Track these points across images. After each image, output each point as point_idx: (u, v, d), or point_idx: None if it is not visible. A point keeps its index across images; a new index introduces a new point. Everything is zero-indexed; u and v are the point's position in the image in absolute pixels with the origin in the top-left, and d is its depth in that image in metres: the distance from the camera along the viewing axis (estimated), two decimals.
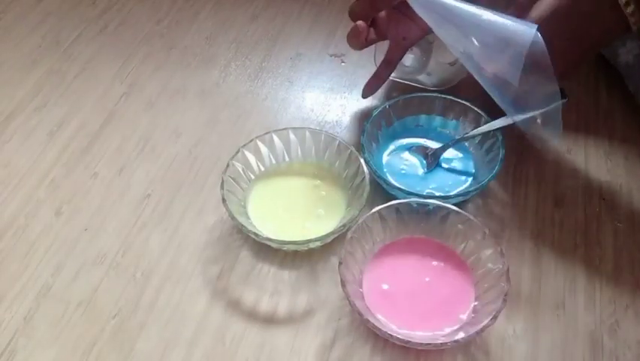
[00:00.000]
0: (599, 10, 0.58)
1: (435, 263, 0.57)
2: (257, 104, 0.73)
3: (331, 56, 0.79)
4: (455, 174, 0.64)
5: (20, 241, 0.61)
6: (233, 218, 0.57)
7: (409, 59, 0.71)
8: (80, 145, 0.69)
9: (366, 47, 0.66)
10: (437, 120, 0.68)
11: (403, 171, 0.65)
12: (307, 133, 0.64)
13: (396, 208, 0.57)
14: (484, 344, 0.53)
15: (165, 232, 0.61)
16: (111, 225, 0.62)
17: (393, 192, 0.61)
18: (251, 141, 0.63)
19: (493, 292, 0.53)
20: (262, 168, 0.64)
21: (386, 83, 0.71)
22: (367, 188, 0.59)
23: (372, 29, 0.66)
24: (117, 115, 0.72)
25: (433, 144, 0.66)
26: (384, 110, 0.65)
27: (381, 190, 0.62)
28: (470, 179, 0.64)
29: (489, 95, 0.61)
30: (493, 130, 0.62)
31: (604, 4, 0.57)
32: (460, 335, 0.50)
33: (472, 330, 0.50)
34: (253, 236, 0.57)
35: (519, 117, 0.61)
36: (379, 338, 0.53)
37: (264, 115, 0.72)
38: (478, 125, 0.65)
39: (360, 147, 0.62)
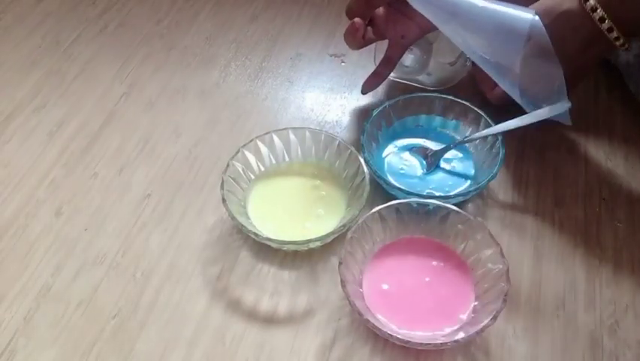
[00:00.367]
0: (584, 43, 0.59)
1: (435, 263, 0.57)
2: (257, 104, 0.73)
3: (331, 56, 0.79)
4: (455, 174, 0.64)
5: (20, 241, 0.61)
6: (233, 218, 0.57)
7: (409, 59, 0.71)
8: (79, 145, 0.69)
9: (365, 46, 0.66)
10: (437, 120, 0.68)
11: (403, 171, 0.65)
12: (307, 133, 0.64)
13: (396, 208, 0.57)
14: (484, 344, 0.53)
15: (165, 232, 0.61)
16: (111, 225, 0.62)
17: (393, 192, 0.61)
18: (251, 141, 0.63)
19: (493, 292, 0.53)
20: (262, 168, 0.64)
21: (386, 83, 0.71)
22: (367, 188, 0.59)
23: (370, 28, 0.66)
24: (117, 115, 0.72)
25: (433, 144, 0.66)
26: (384, 110, 0.65)
27: (381, 190, 0.62)
28: (470, 179, 0.64)
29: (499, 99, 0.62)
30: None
31: (587, 40, 0.59)
32: (460, 335, 0.50)
33: (472, 330, 0.50)
34: (253, 236, 0.57)
35: (528, 109, 0.62)
36: (379, 338, 0.53)
37: (264, 115, 0.72)
38: (478, 125, 0.65)
39: (360, 147, 0.62)
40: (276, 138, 0.64)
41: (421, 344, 0.51)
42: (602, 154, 0.67)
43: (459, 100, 0.66)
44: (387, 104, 0.66)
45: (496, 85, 0.64)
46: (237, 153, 0.62)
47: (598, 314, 0.55)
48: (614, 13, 0.57)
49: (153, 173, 0.66)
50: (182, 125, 0.71)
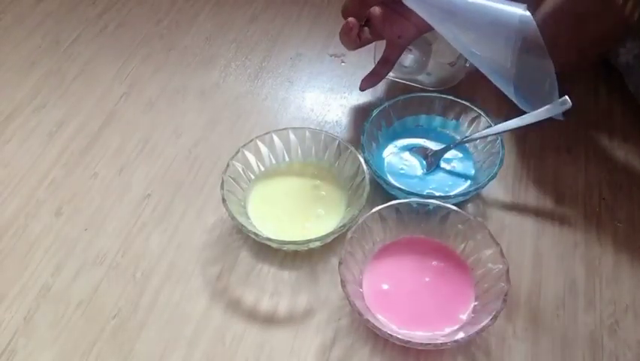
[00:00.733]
0: (596, 10, 0.59)
1: (435, 263, 0.57)
2: (257, 104, 0.73)
3: (331, 56, 0.79)
4: (455, 174, 0.64)
5: (20, 241, 0.61)
6: (233, 218, 0.57)
7: (408, 60, 0.71)
8: (79, 145, 0.69)
9: (361, 46, 0.66)
10: (437, 120, 0.68)
11: (403, 171, 0.65)
12: (307, 133, 0.64)
13: (396, 208, 0.57)
14: (484, 344, 0.53)
15: (165, 232, 0.61)
16: (111, 225, 0.62)
17: (393, 192, 0.61)
18: (251, 141, 0.63)
19: (493, 292, 0.53)
20: (262, 168, 0.64)
21: (386, 82, 0.71)
22: (367, 188, 0.59)
23: (366, 28, 0.66)
24: (117, 115, 0.72)
25: (433, 144, 0.66)
26: (384, 110, 0.65)
27: (381, 190, 0.62)
28: (470, 179, 0.64)
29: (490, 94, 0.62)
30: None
31: (600, 5, 0.58)
32: (460, 335, 0.50)
33: (472, 330, 0.50)
34: (253, 236, 0.57)
35: (525, 108, 0.62)
36: (379, 338, 0.53)
37: (264, 115, 0.72)
38: (478, 125, 0.65)
39: (360, 147, 0.62)
40: (276, 138, 0.64)
41: (421, 344, 0.51)
42: (602, 154, 0.67)
43: (459, 100, 0.66)
44: (387, 104, 0.66)
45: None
46: (237, 153, 0.62)
47: (598, 314, 0.55)
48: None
49: (153, 173, 0.66)
50: (182, 126, 0.71)
